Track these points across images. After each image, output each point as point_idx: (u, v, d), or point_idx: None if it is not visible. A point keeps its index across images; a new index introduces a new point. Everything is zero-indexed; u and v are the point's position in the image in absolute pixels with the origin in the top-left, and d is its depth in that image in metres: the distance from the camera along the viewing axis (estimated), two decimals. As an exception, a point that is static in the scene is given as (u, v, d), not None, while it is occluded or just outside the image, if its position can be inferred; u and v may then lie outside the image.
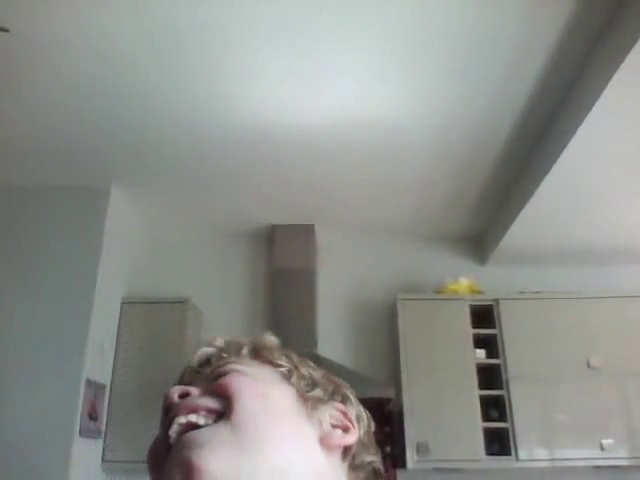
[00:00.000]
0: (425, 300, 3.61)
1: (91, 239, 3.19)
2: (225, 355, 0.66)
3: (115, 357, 3.29)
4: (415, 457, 3.15)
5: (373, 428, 0.65)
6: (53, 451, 2.71)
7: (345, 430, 0.59)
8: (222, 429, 0.52)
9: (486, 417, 3.26)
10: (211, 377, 0.61)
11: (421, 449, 3.15)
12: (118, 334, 3.35)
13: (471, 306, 3.51)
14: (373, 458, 0.62)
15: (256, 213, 3.77)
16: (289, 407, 0.58)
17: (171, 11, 2.15)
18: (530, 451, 3.21)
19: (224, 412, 0.54)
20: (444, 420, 3.22)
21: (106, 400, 3.15)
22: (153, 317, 3.43)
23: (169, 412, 0.57)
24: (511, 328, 3.45)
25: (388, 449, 3.28)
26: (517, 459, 3.18)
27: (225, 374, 0.59)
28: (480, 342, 3.44)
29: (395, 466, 3.29)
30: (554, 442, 3.23)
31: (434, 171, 3.26)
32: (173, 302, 3.47)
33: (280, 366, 0.64)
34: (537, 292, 3.60)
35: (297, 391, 0.60)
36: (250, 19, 2.19)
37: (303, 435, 0.56)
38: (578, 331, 3.41)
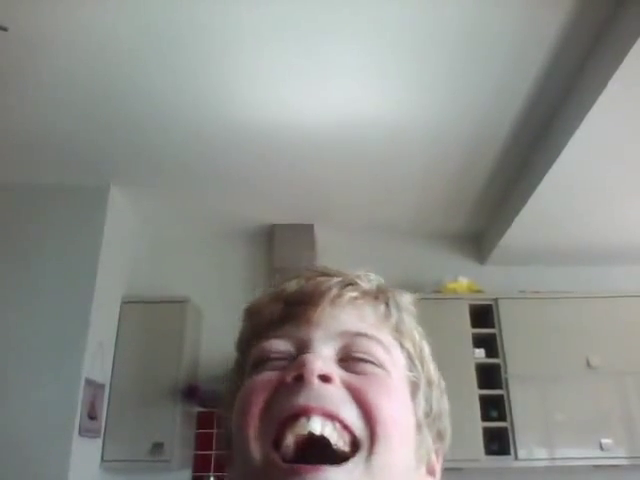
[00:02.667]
0: (424, 299, 3.54)
1: (90, 238, 3.18)
2: (360, 300, 0.54)
3: (114, 357, 3.29)
4: (415, 457, 3.14)
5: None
6: (52, 450, 2.71)
7: (431, 473, 0.54)
8: (356, 473, 0.45)
9: (485, 416, 3.26)
10: (350, 333, 0.51)
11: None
12: (117, 334, 3.35)
13: (470, 305, 3.51)
14: None
15: (256, 213, 3.77)
16: (412, 440, 0.50)
17: (172, 10, 2.15)
18: (529, 451, 3.21)
19: (359, 440, 0.46)
20: (443, 419, 3.21)
21: (105, 400, 3.15)
22: (152, 317, 3.42)
23: (300, 386, 0.47)
24: (510, 327, 3.45)
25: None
26: (516, 459, 3.18)
27: (371, 361, 0.50)
28: (479, 341, 3.43)
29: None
30: (553, 441, 3.23)
31: (433, 171, 3.26)
32: (172, 302, 3.47)
33: (411, 367, 0.55)
34: (536, 292, 3.59)
35: (417, 419, 0.52)
36: (251, 19, 2.19)
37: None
38: (577, 330, 3.40)
